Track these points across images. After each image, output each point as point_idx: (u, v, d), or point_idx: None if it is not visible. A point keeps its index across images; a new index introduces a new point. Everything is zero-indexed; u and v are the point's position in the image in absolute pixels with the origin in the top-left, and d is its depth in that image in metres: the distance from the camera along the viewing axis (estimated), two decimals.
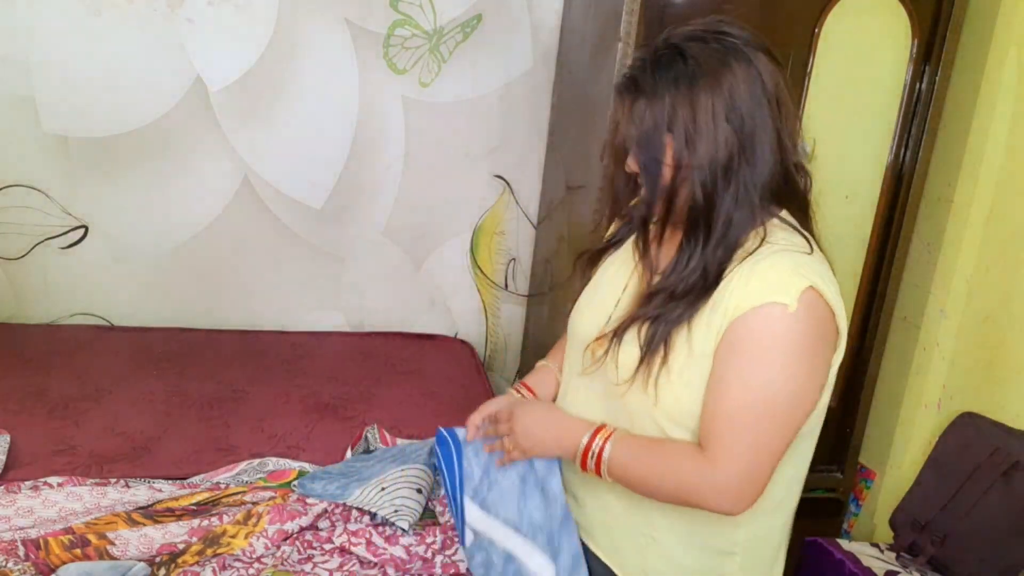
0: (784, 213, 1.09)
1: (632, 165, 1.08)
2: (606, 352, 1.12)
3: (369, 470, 1.54)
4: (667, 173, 1.04)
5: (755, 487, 1.02)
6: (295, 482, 1.54)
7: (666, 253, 1.12)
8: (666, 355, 1.06)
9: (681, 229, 1.07)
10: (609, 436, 1.11)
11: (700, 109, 1.00)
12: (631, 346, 1.10)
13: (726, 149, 1.01)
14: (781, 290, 0.99)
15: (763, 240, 1.04)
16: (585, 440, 1.12)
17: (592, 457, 1.11)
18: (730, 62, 1.00)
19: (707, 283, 1.04)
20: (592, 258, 1.28)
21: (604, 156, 1.18)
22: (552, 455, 1.22)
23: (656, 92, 1.01)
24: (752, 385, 1.00)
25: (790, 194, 1.08)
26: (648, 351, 1.07)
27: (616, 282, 1.21)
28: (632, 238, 1.21)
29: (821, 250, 1.08)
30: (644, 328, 1.08)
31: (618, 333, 1.11)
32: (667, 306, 1.06)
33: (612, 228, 1.29)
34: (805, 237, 1.07)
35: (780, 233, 1.06)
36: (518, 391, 1.39)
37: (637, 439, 1.11)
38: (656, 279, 1.11)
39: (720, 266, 1.04)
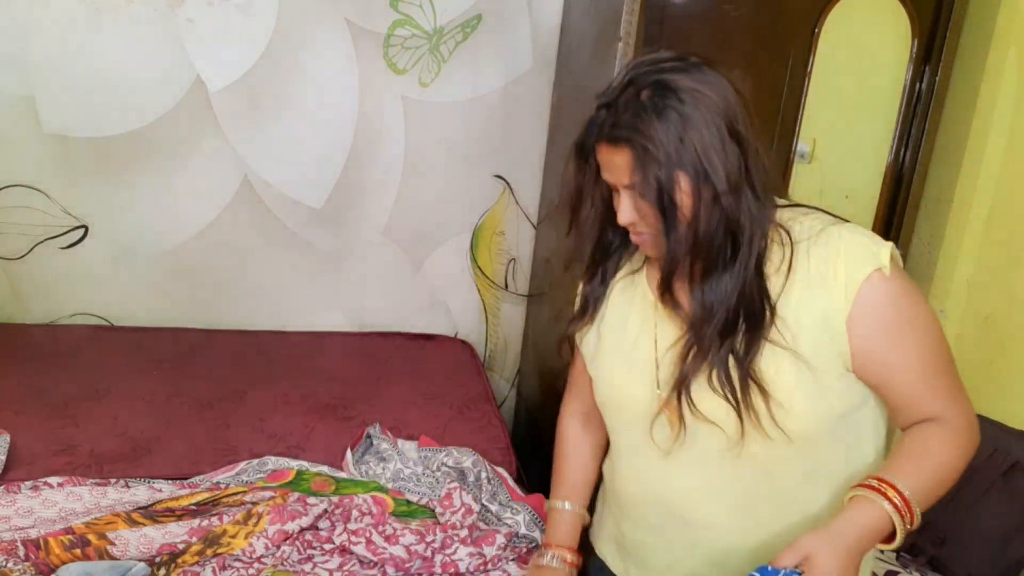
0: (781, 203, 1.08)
1: (628, 215, 1.02)
2: (681, 419, 1.05)
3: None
4: (686, 210, 0.99)
5: (976, 420, 1.06)
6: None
7: (680, 291, 1.07)
8: (762, 388, 0.99)
9: (687, 261, 1.03)
10: (893, 486, 0.98)
11: (708, 137, 0.97)
12: (709, 399, 1.02)
13: (736, 165, 0.98)
14: (871, 257, 0.98)
15: (790, 238, 1.02)
16: (889, 509, 0.97)
17: (906, 519, 0.98)
18: (712, 80, 0.99)
19: (753, 296, 1.00)
20: (574, 331, 1.21)
21: (576, 221, 1.11)
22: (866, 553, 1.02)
23: (661, 132, 0.96)
24: (922, 347, 1.02)
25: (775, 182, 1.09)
26: (740, 394, 1.00)
27: (640, 327, 1.13)
28: (619, 286, 1.17)
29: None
30: (715, 374, 1.01)
31: (683, 391, 1.03)
32: (726, 341, 1.00)
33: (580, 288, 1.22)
34: (818, 208, 1.08)
35: (808, 220, 1.04)
36: (565, 560, 1.25)
37: (898, 464, 1.01)
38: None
39: (757, 277, 1.00)
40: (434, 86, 2.31)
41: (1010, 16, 1.87)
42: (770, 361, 1.00)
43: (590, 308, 1.19)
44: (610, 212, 1.08)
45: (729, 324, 1.00)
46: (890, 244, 0.99)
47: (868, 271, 0.97)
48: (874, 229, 2.02)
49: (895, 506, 0.96)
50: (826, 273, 0.99)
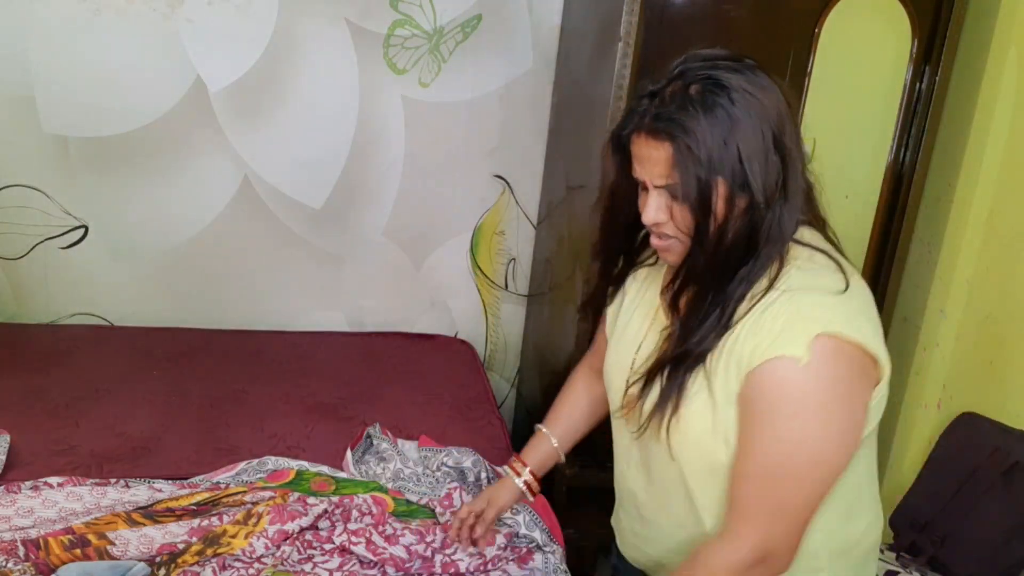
0: (807, 233, 1.03)
1: (655, 214, 0.98)
2: (638, 397, 1.06)
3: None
4: (718, 216, 0.94)
5: (781, 548, 0.97)
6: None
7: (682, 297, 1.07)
8: (678, 402, 1.00)
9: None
10: None
11: (753, 143, 0.92)
12: (656, 391, 1.04)
13: (775, 178, 0.94)
14: (789, 342, 0.92)
15: (772, 281, 0.97)
16: None
17: None
18: (766, 86, 0.94)
19: (720, 322, 0.97)
20: (596, 305, 1.23)
21: (602, 206, 1.10)
22: None
23: (706, 131, 0.91)
24: (768, 447, 0.95)
25: (811, 212, 1.04)
26: (662, 397, 1.01)
27: (640, 325, 1.14)
28: (640, 275, 1.18)
29: (847, 259, 1.02)
30: (666, 372, 1.02)
31: (649, 378, 1.04)
32: (683, 348, 0.99)
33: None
34: (833, 258, 1.01)
35: (795, 272, 0.98)
36: (513, 468, 1.34)
37: None
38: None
39: (736, 304, 0.97)
40: (434, 86, 2.31)
41: (1010, 16, 1.87)
42: (698, 377, 1.00)
43: (608, 294, 1.20)
44: (634, 209, 1.04)
45: (693, 336, 0.99)
46: (815, 334, 0.91)
47: (774, 354, 0.92)
48: (874, 229, 2.03)
49: None
50: (760, 331, 0.95)
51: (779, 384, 0.93)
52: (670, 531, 1.13)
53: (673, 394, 1.00)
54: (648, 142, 0.95)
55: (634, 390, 1.08)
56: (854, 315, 0.95)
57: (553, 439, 1.32)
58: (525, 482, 1.32)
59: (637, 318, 1.15)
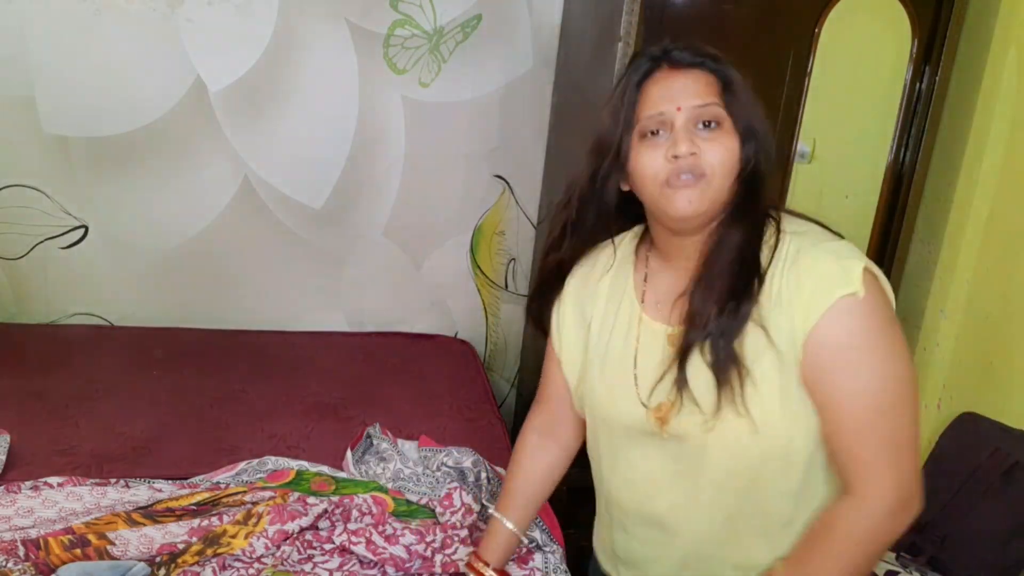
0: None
1: (688, 144, 0.97)
2: (678, 392, 1.00)
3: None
4: (746, 148, 1.00)
5: (915, 485, 0.96)
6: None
7: (668, 279, 1.07)
8: (740, 365, 0.96)
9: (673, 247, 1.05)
10: None
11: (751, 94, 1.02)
12: (701, 374, 0.99)
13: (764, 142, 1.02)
14: (840, 282, 0.93)
15: (779, 232, 1.00)
16: None
17: None
18: None
19: (748, 270, 0.97)
20: (543, 305, 1.21)
21: (592, 163, 1.07)
22: None
23: (730, 67, 1.00)
24: (867, 392, 0.94)
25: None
26: (718, 367, 0.96)
27: (626, 341, 1.10)
28: (600, 299, 1.14)
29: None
30: (707, 347, 0.97)
31: (683, 357, 0.99)
32: (721, 314, 0.97)
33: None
34: (811, 219, 1.05)
35: (797, 224, 1.02)
36: (475, 569, 1.26)
37: (794, 557, 1.02)
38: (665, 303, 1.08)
39: (756, 247, 0.98)
40: (434, 86, 2.31)
41: (1010, 16, 1.87)
42: (749, 343, 0.98)
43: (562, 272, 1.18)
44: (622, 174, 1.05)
45: (725, 295, 0.98)
46: (862, 265, 0.95)
47: (833, 298, 0.93)
48: (874, 229, 2.03)
49: None
50: (791, 297, 0.95)
51: (848, 327, 0.94)
52: (710, 533, 1.08)
53: (729, 359, 0.96)
54: (684, 72, 1.00)
55: (661, 394, 1.03)
56: (863, 256, 0.99)
57: (508, 524, 1.26)
58: None
59: (618, 337, 1.11)
